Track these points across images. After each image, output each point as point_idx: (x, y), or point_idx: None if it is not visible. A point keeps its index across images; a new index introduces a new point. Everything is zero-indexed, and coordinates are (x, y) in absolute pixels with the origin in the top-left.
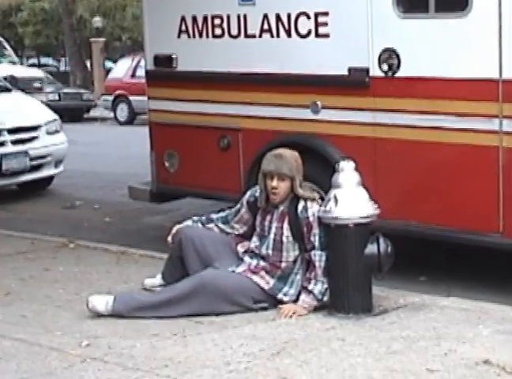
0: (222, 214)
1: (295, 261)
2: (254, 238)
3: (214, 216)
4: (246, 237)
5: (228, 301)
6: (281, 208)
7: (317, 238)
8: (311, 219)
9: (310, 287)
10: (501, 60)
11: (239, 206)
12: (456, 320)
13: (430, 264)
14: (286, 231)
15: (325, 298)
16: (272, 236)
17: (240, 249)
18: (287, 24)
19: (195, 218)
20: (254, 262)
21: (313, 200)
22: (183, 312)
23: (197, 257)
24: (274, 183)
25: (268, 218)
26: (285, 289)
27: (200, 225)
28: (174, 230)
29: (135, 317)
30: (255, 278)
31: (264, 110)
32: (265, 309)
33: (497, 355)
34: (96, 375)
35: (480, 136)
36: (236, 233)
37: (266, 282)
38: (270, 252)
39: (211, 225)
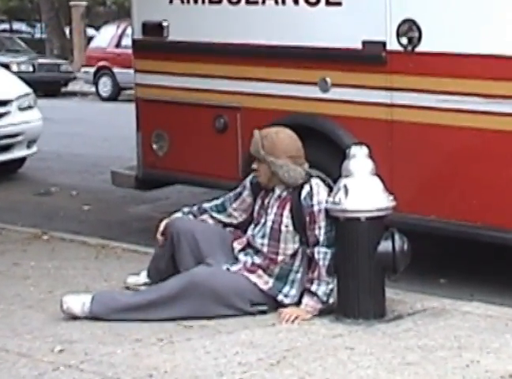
0: (217, 202)
1: (294, 256)
2: (252, 226)
3: (207, 206)
4: (245, 230)
5: (223, 303)
6: (278, 191)
7: (322, 231)
8: (316, 208)
9: (314, 288)
10: None
11: (240, 189)
12: (480, 327)
13: (451, 264)
14: (286, 219)
15: (331, 300)
16: (269, 223)
17: (237, 246)
18: None
19: (186, 209)
20: (250, 260)
21: (319, 183)
22: (171, 314)
23: (191, 254)
24: (254, 165)
25: (265, 202)
26: (286, 289)
27: (192, 217)
28: (162, 226)
29: (116, 319)
30: (253, 277)
31: (266, 87)
32: (263, 312)
33: None
34: None
35: (511, 120)
36: (234, 222)
37: (265, 282)
38: (266, 242)
39: (205, 216)
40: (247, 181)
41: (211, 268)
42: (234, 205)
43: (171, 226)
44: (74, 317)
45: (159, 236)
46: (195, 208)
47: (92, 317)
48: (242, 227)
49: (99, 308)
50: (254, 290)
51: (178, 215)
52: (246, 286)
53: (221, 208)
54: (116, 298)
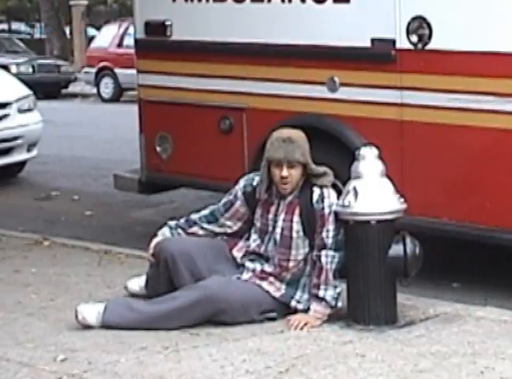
0: (205, 212)
1: (305, 261)
2: (254, 236)
3: (195, 217)
4: (240, 236)
5: (237, 313)
6: (289, 198)
7: (330, 234)
8: (326, 211)
9: (321, 293)
10: None
11: (230, 198)
12: (494, 333)
13: (464, 268)
14: (296, 225)
15: (339, 304)
16: (278, 231)
17: (237, 254)
18: None
19: (172, 223)
20: (258, 267)
21: (328, 186)
22: (185, 324)
23: (191, 275)
24: (285, 173)
25: (272, 210)
26: (298, 294)
27: (180, 231)
28: (152, 248)
29: (127, 329)
30: (265, 285)
31: (272, 87)
32: (272, 319)
33: None
34: None
35: None
36: (229, 231)
37: (277, 288)
38: (276, 250)
39: (194, 228)
40: (238, 191)
41: (223, 278)
42: (226, 215)
43: (163, 250)
44: (88, 327)
45: (150, 257)
46: (182, 220)
47: (105, 326)
48: (237, 234)
49: (113, 318)
50: (267, 298)
51: (166, 231)
52: (260, 294)
53: (212, 219)
54: (131, 308)
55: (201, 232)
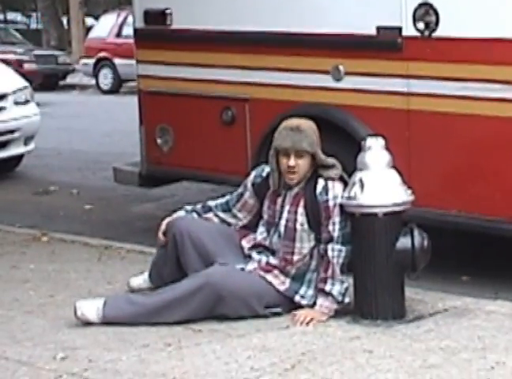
0: (222, 200)
1: (311, 256)
2: (261, 228)
3: (212, 204)
4: (251, 228)
5: (239, 303)
6: (295, 189)
7: (336, 227)
8: (331, 203)
9: (328, 288)
10: None
11: (241, 190)
12: (505, 327)
13: (474, 261)
14: (300, 217)
15: (347, 300)
16: (283, 222)
17: (246, 244)
18: None
19: (188, 207)
20: (264, 259)
21: (334, 179)
22: (185, 316)
23: (198, 256)
24: (292, 162)
25: (279, 201)
26: (302, 290)
27: (195, 216)
28: (164, 225)
29: (123, 324)
30: (269, 277)
31: (276, 77)
32: (277, 314)
33: None
34: None
35: None
36: (240, 224)
37: (281, 282)
38: (281, 242)
39: (209, 215)
40: (248, 182)
41: (226, 267)
42: (237, 206)
43: (173, 226)
44: (88, 323)
45: (160, 235)
46: (199, 206)
47: (105, 322)
48: (248, 226)
49: (113, 312)
50: (270, 291)
51: (181, 213)
52: (263, 286)
53: (226, 208)
54: (131, 302)
55: (215, 219)
